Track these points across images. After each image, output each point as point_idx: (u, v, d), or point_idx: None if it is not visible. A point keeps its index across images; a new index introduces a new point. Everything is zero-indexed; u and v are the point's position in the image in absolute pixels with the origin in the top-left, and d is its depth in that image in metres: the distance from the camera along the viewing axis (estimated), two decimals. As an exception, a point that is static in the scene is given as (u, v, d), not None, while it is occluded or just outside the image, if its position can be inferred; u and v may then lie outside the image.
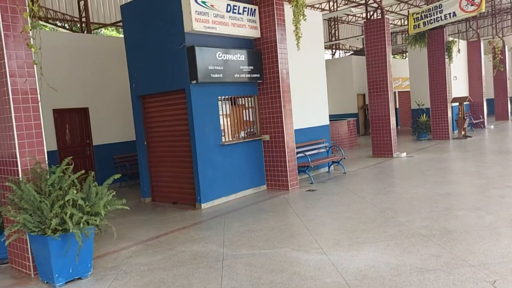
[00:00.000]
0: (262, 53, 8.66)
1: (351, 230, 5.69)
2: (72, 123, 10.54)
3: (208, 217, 7.08)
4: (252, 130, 8.94)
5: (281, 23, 8.54)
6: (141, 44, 8.41)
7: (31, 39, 4.76)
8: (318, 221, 6.29)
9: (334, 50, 29.05)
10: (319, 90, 10.55)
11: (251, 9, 8.43)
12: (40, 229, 4.35)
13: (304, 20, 7.60)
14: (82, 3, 13.88)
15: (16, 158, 4.76)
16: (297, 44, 7.58)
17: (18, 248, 5.02)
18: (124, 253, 5.53)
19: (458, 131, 15.95)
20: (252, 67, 8.48)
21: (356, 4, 20.31)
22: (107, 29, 21.50)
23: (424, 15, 13.37)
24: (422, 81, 17.17)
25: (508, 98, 21.88)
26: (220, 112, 8.18)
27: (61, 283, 4.52)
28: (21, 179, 4.67)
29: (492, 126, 19.24)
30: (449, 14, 12.66)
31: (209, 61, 7.67)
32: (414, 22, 13.71)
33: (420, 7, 14.96)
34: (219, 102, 8.17)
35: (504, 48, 21.08)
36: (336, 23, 27.09)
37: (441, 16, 12.89)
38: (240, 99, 8.67)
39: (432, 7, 13.21)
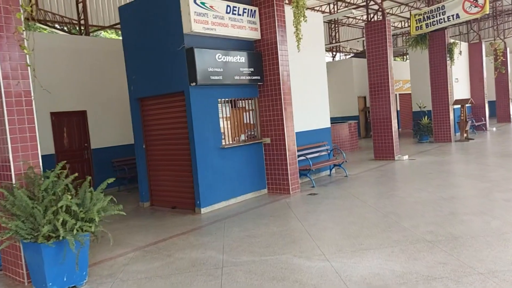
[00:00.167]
0: (262, 55, 8.54)
1: (354, 235, 5.54)
2: (70, 126, 10.41)
3: (207, 222, 6.93)
4: (252, 133, 8.80)
5: (282, 25, 8.42)
6: (140, 45, 8.29)
7: (25, 40, 4.62)
8: (320, 226, 6.14)
9: (334, 53, 28.95)
10: (320, 92, 10.43)
11: (251, 10, 8.32)
12: (33, 236, 4.21)
13: (305, 21, 7.49)
14: (80, 5, 13.78)
15: (9, 162, 4.62)
16: (297, 45, 7.47)
17: (11, 255, 4.88)
18: (121, 260, 5.38)
19: (460, 133, 15.81)
20: (252, 69, 8.36)
21: (356, 6, 20.24)
22: (107, 32, 21.40)
23: (427, 16, 13.22)
24: (424, 83, 17.05)
25: (510, 100, 21.75)
26: (220, 115, 8.04)
27: (55, 291, 4.38)
28: (14, 184, 4.53)
29: (494, 128, 19.11)
30: (452, 16, 12.49)
31: (209, 63, 7.54)
32: (416, 23, 13.56)
33: (420, 9, 14.81)
34: (219, 105, 8.04)
35: (506, 50, 20.96)
36: (336, 25, 27.00)
37: (444, 18, 12.72)
38: (240, 101, 8.54)
39: (435, 8, 13.05)
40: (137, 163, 8.78)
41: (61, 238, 4.15)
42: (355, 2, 21.31)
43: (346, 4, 21.79)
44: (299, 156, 9.15)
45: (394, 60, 27.39)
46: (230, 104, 8.29)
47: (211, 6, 7.55)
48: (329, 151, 10.48)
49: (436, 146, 14.49)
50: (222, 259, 5.07)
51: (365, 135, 20.77)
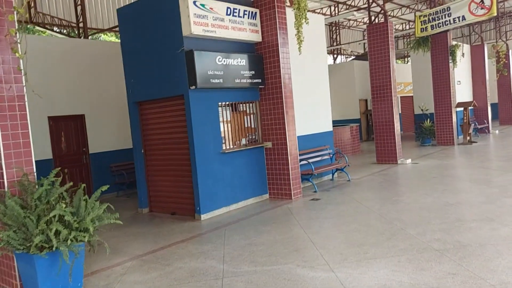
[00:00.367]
0: (263, 58, 8.38)
1: (358, 243, 5.37)
2: (68, 130, 10.25)
3: (207, 229, 6.75)
4: (253, 137, 8.63)
5: (283, 27, 8.27)
6: (138, 48, 8.15)
7: (18, 44, 4.46)
8: (324, 233, 5.97)
9: (335, 55, 28.82)
10: (322, 95, 10.26)
11: (252, 12, 8.17)
12: (26, 247, 4.04)
13: (307, 23, 7.33)
14: (79, 8, 13.65)
15: (1, 169, 4.45)
16: (299, 48, 7.31)
17: (4, 265, 4.70)
18: (118, 270, 5.21)
19: (463, 136, 15.63)
20: (253, 72, 8.20)
21: (357, 8, 20.10)
22: (106, 35, 21.29)
23: (432, 18, 13.03)
24: (426, 86, 16.90)
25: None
26: (220, 119, 7.88)
27: (49, 304, 4.20)
28: (6, 192, 4.36)
29: (497, 131, 18.92)
30: (458, 17, 12.29)
31: (209, 65, 7.38)
32: (421, 25, 13.37)
33: (422, 11, 14.66)
34: (219, 108, 7.88)
35: (508, 52, 20.80)
36: (337, 28, 26.88)
37: (449, 20, 12.53)
38: (241, 105, 8.37)
39: (440, 10, 12.85)
40: (135, 168, 8.61)
41: (54, 249, 3.97)
42: (356, 5, 21.19)
43: (347, 7, 21.67)
44: (301, 160, 8.98)
45: (396, 62, 27.25)
46: (230, 108, 8.13)
47: (211, 8, 7.40)
48: (331, 155, 10.31)
49: (439, 150, 14.32)
50: (222, 269, 4.90)
51: (366, 138, 20.60)
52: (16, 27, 4.52)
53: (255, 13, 8.22)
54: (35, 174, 4.71)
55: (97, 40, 17.08)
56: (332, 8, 22.55)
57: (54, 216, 4.05)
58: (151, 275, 4.91)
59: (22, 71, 4.56)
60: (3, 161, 4.44)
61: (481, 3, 11.65)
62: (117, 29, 14.95)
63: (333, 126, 11.27)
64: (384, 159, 12.10)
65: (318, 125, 10.11)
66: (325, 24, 23.13)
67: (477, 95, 19.16)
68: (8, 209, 4.05)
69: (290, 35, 8.15)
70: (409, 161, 11.94)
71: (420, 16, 13.67)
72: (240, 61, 7.94)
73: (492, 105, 20.92)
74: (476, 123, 18.17)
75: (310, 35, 9.01)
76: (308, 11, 7.49)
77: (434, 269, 4.34)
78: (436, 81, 15.40)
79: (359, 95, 20.25)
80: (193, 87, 7.20)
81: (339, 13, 21.25)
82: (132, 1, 8.35)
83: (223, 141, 7.90)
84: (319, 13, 22.46)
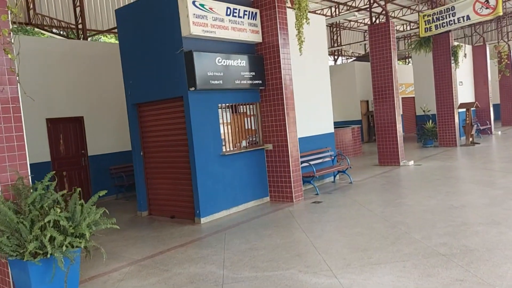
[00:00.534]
0: (264, 59, 8.27)
1: (362, 248, 5.23)
2: (66, 133, 10.13)
3: (207, 233, 6.62)
4: (254, 139, 8.51)
5: (284, 27, 8.15)
6: (137, 49, 8.03)
7: (12, 44, 4.34)
8: (326, 237, 5.84)
9: (336, 57, 28.71)
10: (323, 96, 10.14)
11: (252, 12, 8.05)
12: (19, 253, 3.91)
13: (308, 23, 7.22)
14: (78, 9, 13.55)
15: (-5, 173, 4.33)
16: (299, 48, 7.20)
17: (-1, 272, 4.58)
18: (115, 276, 5.08)
19: (465, 137, 15.50)
20: (253, 73, 8.08)
21: (358, 9, 19.99)
22: (106, 36, 21.20)
23: (436, 17, 12.89)
24: (427, 86, 16.77)
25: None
26: (220, 121, 7.76)
27: (43, 312, 4.08)
28: (-1, 197, 4.24)
29: (499, 132, 18.78)
30: (463, 17, 12.15)
31: (208, 67, 7.26)
32: (425, 24, 13.24)
33: (426, 11, 14.53)
34: (219, 110, 7.75)
35: (510, 53, 20.67)
36: (338, 29, 26.78)
37: (454, 20, 12.39)
38: (241, 106, 8.25)
39: (444, 9, 12.71)
40: (134, 171, 8.49)
41: (48, 255, 3.85)
42: (357, 5, 21.09)
43: (348, 8, 21.57)
44: (302, 162, 8.86)
45: (397, 63, 27.12)
46: (230, 110, 8.01)
47: (211, 8, 7.29)
48: (333, 157, 10.18)
49: (442, 151, 14.18)
50: (222, 274, 4.77)
51: (368, 139, 20.48)
52: (10, 27, 4.41)
53: (255, 13, 8.11)
54: (30, 177, 4.59)
55: (97, 41, 16.99)
56: (333, 9, 22.47)
57: (49, 222, 3.92)
58: (149, 281, 4.78)
59: (16, 72, 4.44)
60: (-4, 165, 4.33)
61: (486, 2, 11.52)
62: (116, 30, 14.87)
63: (334, 127, 11.15)
64: (386, 160, 11.97)
65: (319, 126, 9.98)
66: (326, 25, 23.04)
67: (479, 96, 19.03)
68: (0, 214, 3.93)
69: (291, 36, 8.03)
70: (411, 162, 11.80)
71: (424, 16, 13.54)
72: (240, 62, 7.82)
73: (494, 106, 20.78)
74: (479, 124, 18.04)
75: (311, 36, 8.88)
76: (309, 12, 7.37)
77: (441, 275, 4.20)
78: (438, 82, 15.28)
79: (360, 96, 20.13)
80: (193, 88, 7.09)
81: (340, 14, 21.14)
82: (132, 2, 8.24)
83: (223, 143, 7.78)
84: (319, 14, 22.37)
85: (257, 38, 8.15)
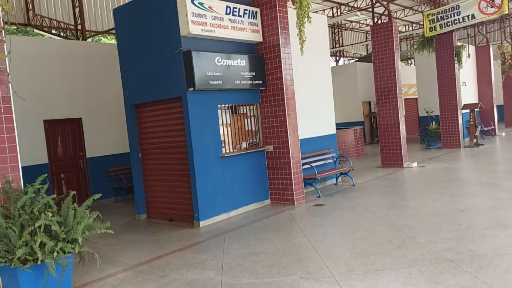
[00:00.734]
0: (264, 58, 8.10)
1: (365, 253, 5.05)
2: (64, 134, 9.98)
3: (206, 237, 6.45)
4: (254, 140, 8.34)
5: (285, 26, 7.99)
6: (135, 49, 7.89)
7: (3, 42, 4.19)
8: (328, 241, 5.66)
9: (338, 57, 28.56)
10: (325, 97, 9.97)
11: (253, 11, 7.90)
12: (8, 260, 3.75)
13: (309, 22, 7.07)
14: (77, 10, 13.44)
15: (-16, 176, 4.18)
16: (301, 48, 7.06)
17: (-11, 278, 4.42)
18: (110, 281, 4.91)
19: (469, 139, 15.30)
20: (254, 73, 7.92)
21: (359, 9, 19.84)
22: (106, 37, 21.09)
23: (440, 16, 12.70)
24: (430, 87, 16.59)
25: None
26: (220, 122, 7.60)
27: (34, 321, 3.91)
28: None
29: (503, 133, 18.58)
30: (467, 16, 11.96)
31: (208, 66, 7.11)
32: (430, 24, 13.04)
33: (430, 10, 14.34)
34: (219, 111, 7.59)
35: (514, 53, 20.45)
36: (339, 30, 26.64)
37: (458, 19, 12.20)
38: (241, 107, 8.09)
39: (449, 8, 12.52)
40: (132, 173, 8.33)
41: (39, 262, 3.69)
42: (358, 6, 20.94)
43: (350, 8, 21.43)
44: (303, 164, 8.69)
45: (399, 64, 26.92)
46: (230, 110, 7.85)
47: (210, 7, 7.13)
48: (335, 159, 10.00)
49: (445, 152, 13.98)
50: (221, 281, 4.60)
51: (370, 141, 20.29)
52: (1, 25, 4.26)
53: (256, 12, 7.96)
54: (22, 180, 4.44)
55: (96, 42, 16.87)
56: (335, 9, 22.33)
57: (40, 227, 3.76)
58: (145, 287, 4.62)
59: (7, 71, 4.29)
60: (-14, 167, 4.18)
61: (491, 1, 11.33)
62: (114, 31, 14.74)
63: (337, 129, 10.98)
64: (390, 162, 11.79)
65: (321, 127, 9.81)
66: (328, 26, 22.92)
67: (483, 96, 18.83)
68: (-12, 219, 3.77)
69: (292, 35, 7.87)
70: (415, 164, 11.62)
71: (428, 15, 13.34)
72: (240, 62, 7.66)
73: (498, 107, 20.58)
74: (482, 125, 17.83)
75: (313, 36, 8.73)
76: (310, 12, 7.22)
77: (449, 282, 4.03)
78: (441, 83, 15.09)
79: (362, 97, 19.94)
80: (191, 89, 6.93)
81: (342, 14, 20.99)
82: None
83: (223, 145, 7.61)
84: (321, 14, 22.23)
85: (257, 37, 7.99)
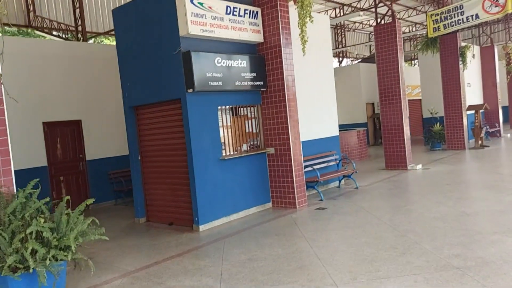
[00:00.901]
0: (265, 59, 7.96)
1: (369, 259, 4.89)
2: (64, 136, 9.87)
3: (206, 242, 6.31)
4: (255, 142, 8.19)
5: (286, 26, 7.84)
6: (134, 50, 7.77)
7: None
8: (330, 247, 5.50)
9: (341, 58, 28.39)
10: (327, 98, 9.81)
11: (253, 11, 7.76)
12: (-3, 268, 3.62)
13: (311, 22, 6.95)
14: (77, 11, 13.35)
15: (-25, 181, 4.06)
16: (303, 48, 6.93)
17: (-19, 285, 4.30)
18: (106, 289, 4.78)
19: (474, 140, 15.09)
20: (254, 74, 7.78)
21: (362, 9, 19.67)
22: (108, 39, 21.02)
23: (444, 17, 12.53)
24: (435, 88, 16.40)
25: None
26: (220, 124, 7.46)
27: (25, 331, 3.77)
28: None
29: (508, 135, 18.35)
30: (471, 16, 11.80)
31: (207, 67, 6.97)
32: (433, 24, 12.87)
33: (433, 11, 14.15)
34: (219, 113, 7.45)
35: (519, 54, 20.20)
36: (342, 30, 26.48)
37: (462, 19, 12.03)
38: (242, 109, 7.95)
39: (452, 8, 12.35)
40: (132, 176, 8.20)
41: (30, 270, 3.55)
42: (361, 7, 20.77)
43: (353, 9, 21.25)
44: (305, 167, 8.53)
45: (402, 65, 26.70)
46: (231, 112, 7.70)
47: (210, 7, 7.00)
48: (337, 161, 9.84)
49: (450, 154, 13.79)
50: (219, 288, 4.45)
51: (374, 142, 20.10)
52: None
53: (257, 12, 7.82)
54: (15, 185, 4.31)
55: (97, 43, 16.79)
56: (337, 10, 22.16)
57: (31, 233, 3.63)
58: (141, 296, 4.48)
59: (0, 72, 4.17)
60: (-23, 171, 4.06)
61: (495, 0, 11.16)
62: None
63: (340, 130, 10.82)
64: (393, 164, 11.61)
65: (323, 129, 9.65)
66: (330, 26, 22.75)
67: (488, 97, 18.62)
68: (-23, 226, 3.64)
69: (294, 36, 7.73)
70: (419, 166, 11.43)
71: (432, 15, 13.17)
72: (240, 62, 7.52)
73: (503, 108, 20.35)
74: (488, 126, 17.61)
75: (315, 36, 8.59)
76: (312, 12, 7.07)
77: (456, 291, 3.86)
78: (445, 84, 14.91)
79: (365, 98, 19.77)
80: (191, 90, 6.79)
81: (345, 13, 20.81)
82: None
83: (223, 147, 7.47)
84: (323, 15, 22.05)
85: (258, 38, 7.85)
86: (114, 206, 10.11)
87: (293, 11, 7.61)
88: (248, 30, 7.65)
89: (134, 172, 8.14)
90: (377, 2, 12.88)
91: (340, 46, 26.02)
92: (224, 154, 7.46)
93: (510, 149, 14.44)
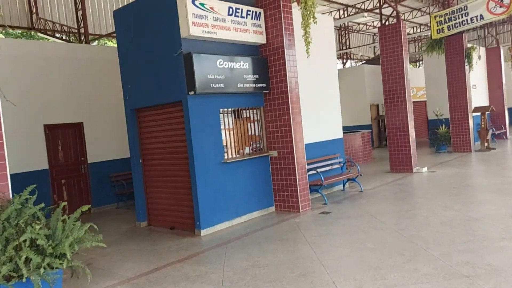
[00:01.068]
0: (268, 61, 7.84)
1: (374, 266, 4.75)
2: (65, 139, 9.79)
3: (207, 247, 6.18)
4: (258, 145, 8.07)
5: (289, 28, 7.73)
6: (135, 51, 7.68)
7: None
8: (335, 253, 5.36)
9: (345, 60, 28.23)
10: (331, 100, 9.67)
11: (256, 12, 7.65)
12: (-9, 276, 3.51)
13: (315, 22, 6.82)
14: (80, 13, 13.30)
15: (-31, 186, 3.96)
16: (306, 50, 6.80)
17: (-24, 293, 4.19)
18: (104, 296, 4.66)
19: (480, 142, 14.88)
20: (257, 76, 7.66)
21: (365, 10, 19.53)
22: (111, 41, 21.00)
23: (448, 18, 12.38)
24: (440, 90, 16.22)
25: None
26: (222, 126, 7.34)
27: None
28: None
29: (515, 137, 18.13)
30: (476, 17, 11.64)
31: (209, 69, 6.86)
32: (437, 26, 12.72)
33: (437, 12, 14.00)
34: (221, 115, 7.34)
35: (525, 55, 19.99)
36: (346, 32, 26.33)
37: (466, 20, 11.87)
38: (244, 111, 7.83)
39: (457, 9, 12.20)
40: (133, 179, 8.10)
41: (24, 279, 3.44)
42: (366, 8, 20.62)
43: (357, 10, 21.10)
44: (309, 170, 8.40)
45: (407, 66, 26.50)
46: (233, 114, 7.59)
47: (211, 8, 6.89)
48: (342, 164, 9.69)
49: (456, 157, 13.60)
50: (220, 296, 4.33)
51: (378, 144, 19.91)
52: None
53: (259, 13, 7.70)
54: (10, 190, 4.20)
55: (98, 45, 16.74)
56: (341, 11, 22.01)
57: (25, 241, 3.52)
58: (140, 304, 4.36)
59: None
60: (-28, 176, 3.96)
61: (499, 1, 11.00)
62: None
63: (344, 132, 10.67)
64: (399, 167, 11.45)
65: (327, 132, 9.51)
66: (334, 28, 22.61)
67: (493, 99, 18.41)
68: (-30, 233, 3.54)
69: (297, 37, 7.61)
70: (425, 169, 11.26)
71: (435, 17, 13.01)
72: (243, 64, 7.41)
73: (509, 109, 20.11)
74: (494, 129, 17.39)
75: (319, 37, 8.46)
76: (316, 13, 6.95)
77: (466, 301, 3.72)
78: (451, 85, 14.73)
79: (370, 100, 19.60)
80: (192, 92, 6.68)
81: (350, 15, 20.67)
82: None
83: (225, 150, 7.35)
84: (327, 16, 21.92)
85: (261, 39, 7.74)
86: (116, 210, 10.02)
87: (296, 12, 7.50)
88: (250, 31, 7.54)
89: (135, 176, 8.04)
90: (381, 3, 12.74)
91: (344, 47, 25.87)
92: (226, 157, 7.35)
93: (517, 151, 14.24)
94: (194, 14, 6.60)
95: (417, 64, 31.38)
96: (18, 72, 8.93)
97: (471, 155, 13.83)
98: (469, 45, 14.93)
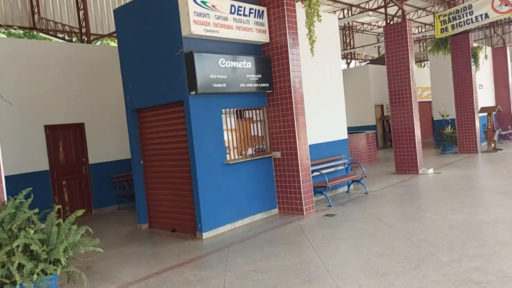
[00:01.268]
0: (271, 60, 7.69)
1: (381, 272, 4.58)
2: (66, 140, 9.67)
3: (209, 250, 6.04)
4: (261, 146, 7.92)
5: (293, 26, 7.57)
6: (136, 51, 7.55)
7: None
8: (340, 258, 5.19)
9: (349, 60, 28.03)
10: (336, 100, 9.50)
11: (259, 10, 7.50)
12: (-18, 283, 3.38)
13: (319, 21, 6.67)
14: (82, 12, 13.21)
15: (-38, 188, 3.83)
16: (311, 49, 6.66)
17: (-30, 298, 4.06)
18: (102, 302, 4.52)
19: (487, 143, 14.66)
20: (260, 76, 7.51)
21: (370, 9, 19.33)
22: (113, 41, 20.92)
23: (452, 17, 12.19)
24: (445, 90, 16.02)
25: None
26: (224, 127, 7.19)
27: None
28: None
29: (522, 138, 17.87)
30: (481, 15, 11.45)
31: (211, 69, 6.72)
32: (441, 25, 12.54)
33: (441, 11, 13.79)
34: (223, 116, 7.19)
35: (531, 54, 19.71)
36: (350, 32, 26.13)
37: (471, 18, 11.69)
38: (247, 111, 7.68)
39: (461, 8, 12.01)
40: (134, 180, 7.97)
41: (17, 286, 3.31)
42: (370, 7, 20.42)
43: (361, 10, 20.91)
44: (313, 171, 8.23)
45: (412, 66, 26.26)
46: (235, 115, 7.44)
47: (213, 6, 6.75)
48: (346, 165, 9.52)
49: (462, 158, 13.38)
50: (221, 303, 4.18)
51: (383, 145, 19.70)
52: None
53: (262, 11, 7.55)
54: (5, 193, 4.07)
55: (99, 45, 16.64)
56: (345, 11, 21.83)
57: (18, 246, 3.38)
58: (138, 310, 4.21)
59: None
60: (-35, 179, 3.83)
61: (505, -1, 10.81)
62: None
63: (348, 133, 10.49)
64: (404, 168, 11.26)
65: (331, 132, 9.34)
66: (338, 28, 22.42)
67: (500, 99, 18.18)
68: (-39, 238, 3.41)
69: (301, 36, 7.46)
70: (431, 170, 11.06)
71: (439, 16, 12.82)
72: (245, 63, 7.26)
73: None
74: (500, 129, 17.14)
75: (323, 36, 8.32)
76: (320, 12, 6.79)
77: (478, 310, 3.54)
78: (457, 85, 14.51)
79: (374, 100, 19.40)
80: (194, 92, 6.54)
81: (354, 14, 20.48)
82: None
83: (227, 151, 7.20)
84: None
85: (264, 38, 7.59)
86: (117, 211, 9.90)
87: (300, 10, 7.34)
88: (253, 30, 7.39)
89: (136, 177, 7.91)
90: (386, 2, 12.56)
91: (348, 47, 25.67)
92: (228, 158, 7.20)
93: (525, 152, 14.00)
94: (195, 12, 6.46)
95: (422, 64, 31.12)
96: (19, 72, 8.83)
97: (478, 156, 13.62)
98: (475, 44, 14.73)
